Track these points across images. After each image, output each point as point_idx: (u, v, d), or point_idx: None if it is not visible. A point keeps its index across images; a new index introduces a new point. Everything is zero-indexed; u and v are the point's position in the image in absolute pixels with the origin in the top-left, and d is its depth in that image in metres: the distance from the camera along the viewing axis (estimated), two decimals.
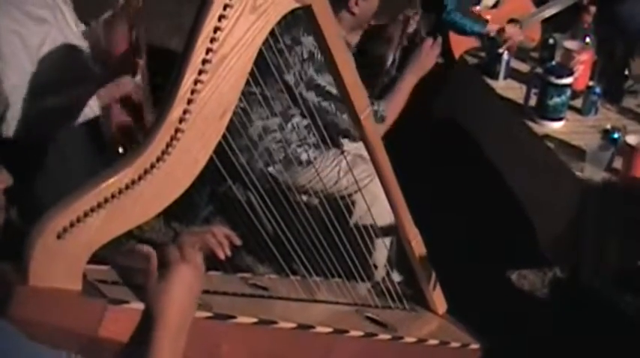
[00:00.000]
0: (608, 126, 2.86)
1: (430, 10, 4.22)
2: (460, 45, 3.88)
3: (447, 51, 3.94)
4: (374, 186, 2.61)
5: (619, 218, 2.74)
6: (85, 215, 1.13)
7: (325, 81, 2.62)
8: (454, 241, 3.18)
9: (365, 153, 2.92)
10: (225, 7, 1.15)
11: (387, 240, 2.79)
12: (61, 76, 2.40)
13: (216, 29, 1.15)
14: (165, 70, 1.26)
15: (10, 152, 1.22)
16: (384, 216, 2.56)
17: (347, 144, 2.88)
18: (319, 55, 2.49)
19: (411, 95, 3.24)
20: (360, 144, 2.76)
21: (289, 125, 2.81)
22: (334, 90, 2.61)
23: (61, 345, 1.19)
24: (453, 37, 3.92)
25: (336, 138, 2.77)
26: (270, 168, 2.74)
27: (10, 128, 2.34)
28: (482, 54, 3.67)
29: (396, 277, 2.62)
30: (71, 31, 2.54)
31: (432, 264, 2.08)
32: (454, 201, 3.47)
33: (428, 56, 2.94)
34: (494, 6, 4.04)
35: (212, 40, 1.15)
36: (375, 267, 2.68)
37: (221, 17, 1.15)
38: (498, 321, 2.76)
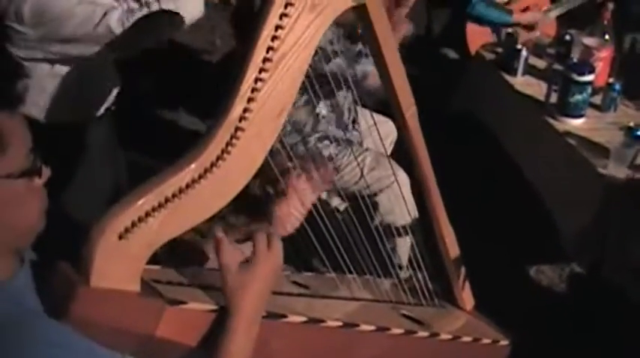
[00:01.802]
0: (632, 124, 2.85)
1: (443, 5, 4.23)
2: (476, 39, 3.89)
3: (463, 45, 3.95)
4: (396, 184, 2.62)
5: None
6: (147, 215, 1.12)
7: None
8: (471, 237, 3.17)
9: (383, 150, 2.95)
10: (287, 5, 1.14)
11: (409, 239, 2.80)
12: None
13: (277, 27, 1.14)
14: None
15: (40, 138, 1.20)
16: (406, 214, 2.56)
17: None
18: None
19: (428, 89, 3.22)
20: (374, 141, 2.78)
21: (311, 117, 2.80)
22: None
23: (118, 345, 1.19)
24: (471, 31, 3.91)
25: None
26: (292, 164, 2.74)
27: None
28: (499, 49, 3.67)
29: (422, 274, 2.62)
30: None
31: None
32: (472, 196, 3.46)
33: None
34: (509, 2, 4.04)
35: (274, 39, 1.15)
36: (400, 266, 2.68)
37: (282, 15, 1.14)
38: (517, 317, 2.75)
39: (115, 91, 2.57)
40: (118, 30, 2.09)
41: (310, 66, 1.28)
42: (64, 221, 1.39)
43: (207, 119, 3.45)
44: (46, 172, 1.18)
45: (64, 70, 2.31)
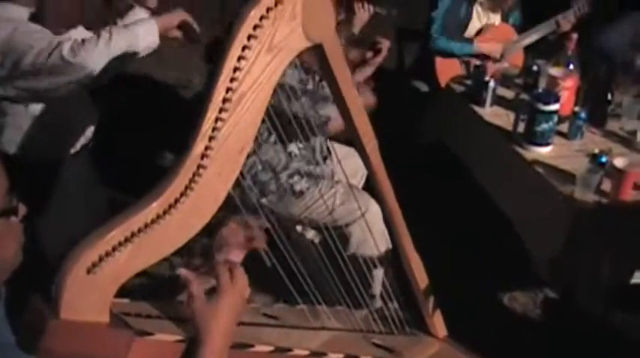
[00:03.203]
0: (596, 150, 2.94)
1: (413, 39, 4.33)
2: (445, 72, 3.98)
3: (433, 78, 4.05)
4: (369, 215, 2.67)
5: (611, 238, 2.81)
6: (114, 249, 1.17)
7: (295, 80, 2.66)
8: (444, 264, 3.22)
9: (354, 183, 3.01)
10: (244, 48, 1.20)
11: (382, 269, 2.84)
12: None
13: (235, 69, 1.20)
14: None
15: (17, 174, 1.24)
16: (379, 244, 2.61)
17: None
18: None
19: (400, 121, 3.29)
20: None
21: (282, 155, 2.86)
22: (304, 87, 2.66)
23: None
24: (439, 64, 4.01)
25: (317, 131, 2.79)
26: (264, 200, 2.79)
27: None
28: (468, 81, 3.76)
29: (394, 303, 2.67)
30: None
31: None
32: (444, 224, 3.53)
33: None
34: (478, 34, 4.15)
35: (232, 80, 1.20)
36: (373, 295, 2.72)
37: (240, 58, 1.20)
38: (492, 343, 2.78)
39: (91, 128, 2.62)
40: (70, 58, 2.14)
41: (272, 105, 1.34)
42: (38, 256, 1.44)
43: None
44: (22, 209, 1.23)
45: (39, 108, 2.36)
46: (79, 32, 2.45)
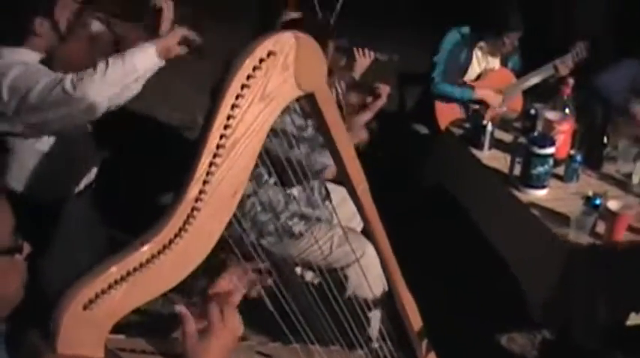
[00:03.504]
0: (590, 193, 2.99)
1: (414, 82, 4.42)
2: (445, 116, 4.05)
3: (432, 121, 4.12)
4: (365, 258, 2.71)
5: (606, 279, 2.84)
6: (109, 287, 1.22)
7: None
8: (442, 304, 3.26)
9: (353, 225, 3.06)
10: (238, 96, 1.27)
11: (379, 310, 2.87)
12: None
13: (229, 117, 1.26)
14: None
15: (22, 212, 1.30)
16: (376, 287, 2.65)
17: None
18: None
19: (401, 163, 3.34)
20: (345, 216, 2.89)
21: (281, 196, 2.91)
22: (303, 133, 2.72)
23: None
24: (439, 108, 4.09)
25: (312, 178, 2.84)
26: (263, 241, 2.85)
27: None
28: (467, 124, 3.82)
29: (388, 344, 2.69)
30: None
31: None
32: (442, 265, 3.57)
33: None
34: (478, 78, 4.23)
35: (225, 127, 1.26)
36: (370, 338, 2.74)
37: (234, 106, 1.26)
38: None
39: (95, 169, 2.69)
40: (71, 91, 2.22)
41: (270, 151, 1.40)
42: (39, 292, 1.49)
43: None
44: (27, 248, 1.29)
45: (44, 146, 2.44)
46: None
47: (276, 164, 1.62)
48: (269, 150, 1.40)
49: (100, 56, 2.59)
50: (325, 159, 2.76)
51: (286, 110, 2.09)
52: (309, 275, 3.16)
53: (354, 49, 3.49)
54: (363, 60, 3.50)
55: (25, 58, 2.37)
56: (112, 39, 2.68)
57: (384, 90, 3.14)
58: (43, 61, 2.41)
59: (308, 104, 1.48)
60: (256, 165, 1.36)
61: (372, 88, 3.15)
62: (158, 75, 2.70)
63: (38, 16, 2.35)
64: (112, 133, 2.84)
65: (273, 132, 1.37)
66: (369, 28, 6.07)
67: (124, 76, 2.30)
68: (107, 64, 2.29)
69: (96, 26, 2.66)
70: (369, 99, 3.15)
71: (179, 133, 5.07)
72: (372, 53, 3.53)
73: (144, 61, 2.34)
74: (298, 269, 3.08)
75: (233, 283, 1.69)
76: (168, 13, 2.57)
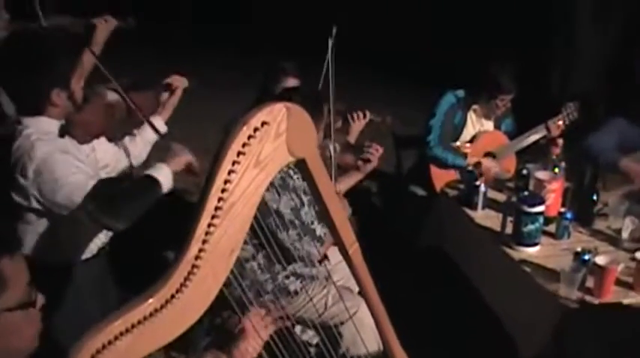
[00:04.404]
0: (579, 249, 3.08)
1: (411, 145, 4.55)
2: (441, 177, 4.17)
3: (429, 183, 4.23)
4: (360, 316, 2.79)
5: (598, 335, 2.89)
6: (115, 338, 1.32)
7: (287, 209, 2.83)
8: None
9: (349, 284, 3.15)
10: (234, 163, 1.39)
11: None
12: None
13: (226, 181, 1.38)
14: None
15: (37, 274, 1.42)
16: (370, 344, 2.72)
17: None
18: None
19: (399, 225, 3.41)
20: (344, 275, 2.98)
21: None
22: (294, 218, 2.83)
23: None
24: (434, 170, 4.21)
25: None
26: (262, 299, 2.93)
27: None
28: (462, 186, 3.93)
29: None
30: None
31: None
32: (439, 326, 3.63)
33: None
34: (471, 140, 4.36)
35: (223, 191, 1.38)
36: None
37: (230, 171, 1.39)
38: None
39: (108, 233, 2.81)
40: (94, 215, 2.38)
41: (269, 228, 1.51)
42: (51, 347, 1.59)
43: None
44: (41, 299, 1.40)
45: (58, 218, 2.56)
46: (101, 142, 2.73)
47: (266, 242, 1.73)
48: (268, 228, 1.51)
49: (115, 123, 2.78)
50: (312, 249, 2.88)
51: (286, 189, 2.26)
52: (308, 335, 3.24)
53: (349, 113, 3.63)
54: (358, 123, 3.64)
55: (46, 126, 2.52)
56: (126, 107, 2.86)
57: (376, 152, 3.26)
58: (62, 127, 2.56)
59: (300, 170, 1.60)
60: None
61: (362, 151, 3.27)
62: (163, 141, 2.88)
63: (55, 88, 2.51)
64: None
65: (268, 209, 1.50)
66: (365, 89, 6.26)
67: (143, 206, 2.48)
68: (132, 191, 2.48)
69: (111, 96, 2.84)
70: (360, 162, 3.27)
71: (182, 197, 5.19)
72: (366, 115, 3.67)
73: (166, 182, 2.56)
74: (298, 328, 3.16)
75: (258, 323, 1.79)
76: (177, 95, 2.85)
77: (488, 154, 4.33)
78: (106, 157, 2.91)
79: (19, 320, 1.34)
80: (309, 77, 3.62)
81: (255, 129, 1.41)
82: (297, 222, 2.86)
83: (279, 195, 2.77)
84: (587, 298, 2.91)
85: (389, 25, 8.97)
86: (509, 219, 3.34)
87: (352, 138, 3.68)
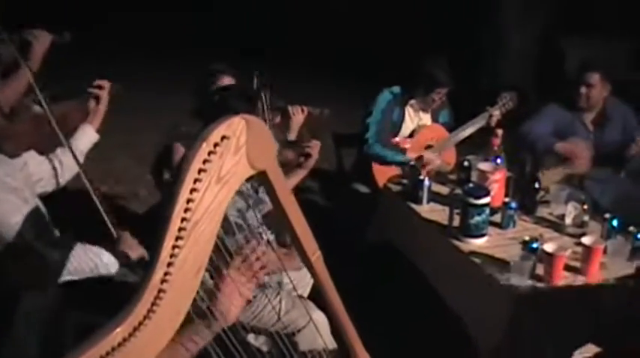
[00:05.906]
0: (527, 237, 3.12)
1: (350, 143, 4.55)
2: (382, 174, 4.18)
3: (371, 180, 4.24)
4: (311, 323, 2.77)
5: (550, 321, 2.95)
6: None
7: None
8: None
9: (300, 292, 3.12)
10: (196, 181, 1.34)
11: None
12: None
13: (189, 200, 1.34)
14: None
15: None
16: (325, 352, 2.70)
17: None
18: None
19: (344, 223, 3.40)
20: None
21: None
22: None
23: None
24: (376, 166, 4.21)
25: None
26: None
27: None
28: (404, 181, 3.95)
29: None
30: None
31: None
32: (394, 322, 3.64)
33: None
34: (411, 135, 4.39)
35: (186, 210, 1.34)
36: None
37: (192, 190, 1.34)
38: None
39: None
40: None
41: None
42: None
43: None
44: None
45: None
46: (33, 156, 2.68)
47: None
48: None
49: (45, 136, 2.73)
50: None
51: None
52: (259, 341, 3.19)
53: (289, 107, 3.62)
54: (298, 117, 3.63)
55: None
56: (56, 119, 2.79)
57: (315, 146, 3.26)
58: None
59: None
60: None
61: (303, 147, 3.26)
62: (99, 150, 2.82)
63: None
64: (58, 205, 2.92)
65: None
66: (301, 85, 6.27)
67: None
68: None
69: (36, 109, 2.77)
70: (301, 158, 3.26)
71: (122, 205, 5.10)
72: (305, 109, 3.67)
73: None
74: (251, 336, 3.11)
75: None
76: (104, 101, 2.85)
77: (428, 147, 4.36)
78: (39, 171, 2.88)
79: None
80: (244, 74, 3.60)
81: (215, 145, 1.37)
82: (244, 225, 2.82)
83: None
84: (538, 285, 2.95)
85: (326, 22, 9.04)
86: (456, 211, 3.36)
87: (292, 135, 3.66)
